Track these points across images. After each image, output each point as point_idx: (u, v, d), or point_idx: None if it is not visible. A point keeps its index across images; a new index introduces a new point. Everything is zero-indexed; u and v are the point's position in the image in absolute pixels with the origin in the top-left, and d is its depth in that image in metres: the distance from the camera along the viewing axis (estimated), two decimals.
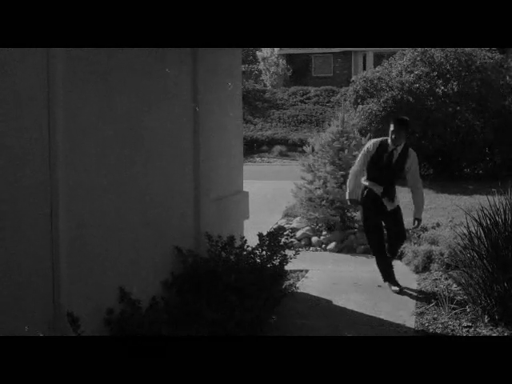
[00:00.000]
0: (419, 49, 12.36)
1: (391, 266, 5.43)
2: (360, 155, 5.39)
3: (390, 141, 5.15)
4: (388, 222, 5.40)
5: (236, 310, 3.78)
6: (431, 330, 4.28)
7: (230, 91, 5.25)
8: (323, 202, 7.41)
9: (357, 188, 5.41)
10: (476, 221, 4.55)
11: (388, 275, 5.35)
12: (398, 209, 5.34)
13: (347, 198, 5.50)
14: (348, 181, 5.51)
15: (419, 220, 5.31)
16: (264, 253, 4.47)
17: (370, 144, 5.30)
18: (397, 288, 5.22)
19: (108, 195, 3.37)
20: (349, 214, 7.56)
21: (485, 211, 4.52)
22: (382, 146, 5.20)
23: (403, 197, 6.20)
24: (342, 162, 7.49)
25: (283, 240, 4.60)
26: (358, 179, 5.38)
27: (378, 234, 5.40)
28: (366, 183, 5.30)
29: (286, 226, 7.30)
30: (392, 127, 5.10)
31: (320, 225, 7.45)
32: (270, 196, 10.49)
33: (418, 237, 6.54)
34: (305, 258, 5.35)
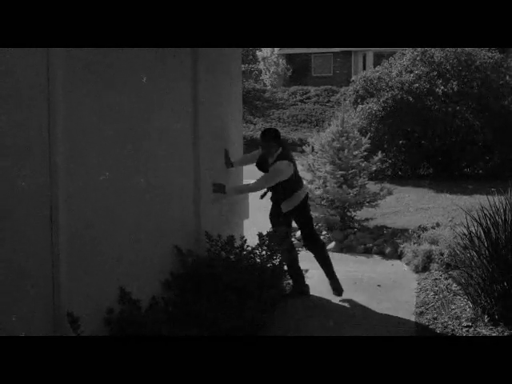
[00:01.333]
0: (419, 49, 12.37)
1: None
2: None
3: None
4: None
5: (236, 309, 3.78)
6: (431, 330, 4.28)
7: (230, 91, 5.25)
8: (323, 202, 7.42)
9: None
10: (476, 221, 4.55)
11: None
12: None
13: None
14: None
15: (222, 187, 4.78)
16: (264, 253, 4.47)
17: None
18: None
19: (108, 195, 3.36)
20: (349, 214, 7.57)
21: (485, 211, 4.52)
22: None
23: (402, 197, 6.16)
24: (342, 161, 7.50)
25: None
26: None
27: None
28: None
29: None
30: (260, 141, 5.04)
31: (320, 224, 7.46)
32: (270, 195, 10.47)
33: (418, 236, 6.55)
34: (305, 257, 5.35)
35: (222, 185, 4.75)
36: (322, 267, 5.16)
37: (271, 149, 4.95)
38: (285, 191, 5.05)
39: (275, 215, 5.16)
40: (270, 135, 4.96)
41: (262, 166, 5.04)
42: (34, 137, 2.81)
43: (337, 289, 5.08)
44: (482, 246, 4.47)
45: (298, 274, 5.10)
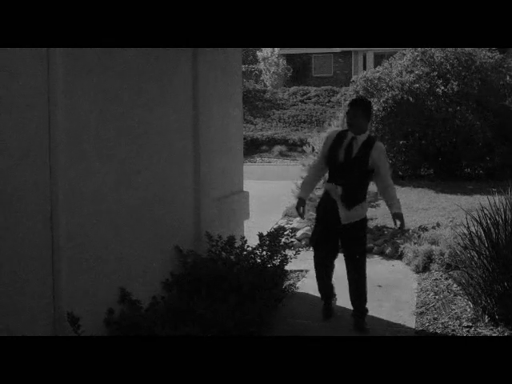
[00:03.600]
0: (419, 49, 12.36)
1: (331, 287, 4.57)
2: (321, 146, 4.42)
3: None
4: (343, 243, 4.30)
5: (236, 310, 3.78)
6: (431, 330, 4.28)
7: (230, 91, 5.25)
8: None
9: (312, 187, 4.51)
10: (476, 221, 4.55)
11: (325, 296, 4.59)
12: (359, 225, 4.22)
13: (297, 195, 4.48)
14: (305, 176, 4.66)
15: (400, 215, 4.12)
16: (264, 253, 4.47)
17: (331, 132, 4.48)
18: (325, 313, 4.54)
19: (108, 195, 3.36)
20: None
21: (485, 211, 4.52)
22: (342, 135, 4.19)
23: (402, 197, 6.13)
24: None
25: (283, 240, 4.59)
26: (316, 176, 4.47)
27: (325, 250, 4.35)
28: (326, 186, 4.34)
29: (286, 225, 7.29)
30: (347, 109, 4.16)
31: None
32: (270, 196, 10.49)
33: (419, 237, 6.54)
34: (305, 257, 5.34)
35: (399, 213, 4.10)
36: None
37: (362, 125, 4.11)
38: (365, 191, 4.28)
39: (363, 228, 4.28)
40: (365, 105, 4.17)
41: (349, 195, 4.12)
42: (34, 137, 2.81)
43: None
44: (483, 246, 4.47)
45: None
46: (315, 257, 4.42)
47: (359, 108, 4.10)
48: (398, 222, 4.11)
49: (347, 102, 4.26)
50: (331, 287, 4.56)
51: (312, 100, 23.62)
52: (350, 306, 4.47)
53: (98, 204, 3.27)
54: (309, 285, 5.30)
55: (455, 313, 4.51)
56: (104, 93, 3.32)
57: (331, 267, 4.45)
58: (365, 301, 4.33)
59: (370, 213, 8.08)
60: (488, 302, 4.34)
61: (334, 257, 4.39)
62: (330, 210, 4.18)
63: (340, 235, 4.26)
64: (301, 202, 4.35)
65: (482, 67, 12.16)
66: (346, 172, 4.08)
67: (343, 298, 4.98)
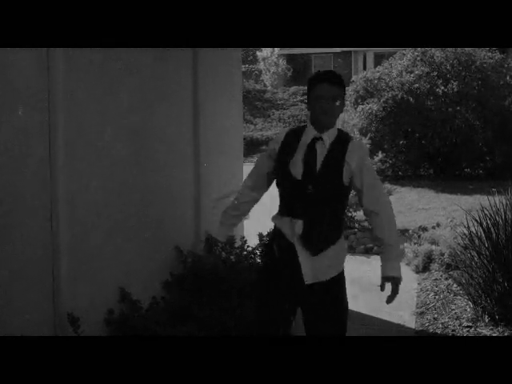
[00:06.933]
0: (419, 49, 12.37)
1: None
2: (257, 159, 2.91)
3: (309, 123, 2.64)
4: (307, 319, 2.69)
5: (236, 309, 3.78)
6: (431, 330, 4.28)
7: (230, 91, 5.25)
8: None
9: (238, 220, 3.01)
10: (476, 221, 4.55)
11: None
12: (334, 286, 2.71)
13: (214, 233, 3.09)
14: (231, 201, 3.01)
15: (397, 279, 2.65)
16: None
17: (277, 134, 2.80)
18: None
19: (108, 195, 3.36)
20: (349, 214, 7.56)
21: (485, 211, 4.52)
22: (294, 135, 2.68)
23: (402, 197, 6.03)
24: None
25: None
26: (247, 202, 2.94)
27: (271, 325, 2.75)
28: (275, 220, 2.75)
29: None
30: (318, 89, 2.58)
31: None
32: (270, 195, 10.49)
33: (418, 237, 6.55)
34: None
35: (397, 277, 2.67)
36: None
37: (338, 115, 2.67)
38: (340, 224, 2.76)
39: (340, 290, 2.77)
40: (343, 82, 2.68)
41: (315, 232, 2.63)
42: (34, 137, 2.81)
43: None
44: (483, 246, 4.47)
45: None
46: (257, 324, 2.85)
47: (337, 86, 2.61)
48: (391, 292, 2.66)
49: (313, 77, 2.64)
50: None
51: None
52: (349, 306, 4.46)
53: (98, 204, 3.27)
54: None
55: (455, 313, 4.51)
56: (104, 93, 3.32)
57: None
58: None
59: None
60: (488, 302, 4.34)
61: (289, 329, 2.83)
62: (285, 262, 2.66)
63: (302, 305, 2.69)
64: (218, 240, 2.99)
65: (482, 67, 12.16)
66: (307, 195, 2.56)
67: None
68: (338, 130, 2.69)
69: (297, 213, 2.61)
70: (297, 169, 2.59)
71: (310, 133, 2.63)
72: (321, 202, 2.58)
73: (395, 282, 2.65)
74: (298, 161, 2.60)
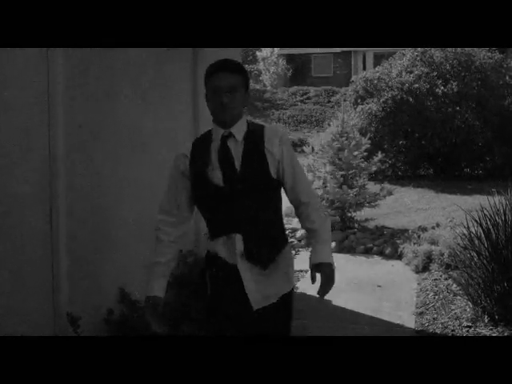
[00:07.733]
0: (419, 49, 12.37)
1: None
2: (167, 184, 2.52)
3: (213, 122, 2.34)
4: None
5: None
6: (431, 330, 4.28)
7: None
8: (323, 202, 7.41)
9: (169, 268, 2.43)
10: (476, 221, 4.55)
11: None
12: (283, 306, 2.48)
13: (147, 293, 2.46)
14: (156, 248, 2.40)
15: (326, 266, 2.43)
16: None
17: (182, 153, 2.39)
18: None
19: (108, 195, 3.36)
20: (349, 214, 7.57)
21: (485, 211, 4.52)
22: (202, 141, 2.37)
23: (402, 197, 6.03)
24: (342, 162, 7.50)
25: None
26: (173, 240, 2.38)
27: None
28: (210, 246, 2.38)
29: (285, 226, 7.29)
30: (214, 81, 2.27)
31: None
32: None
33: (418, 237, 6.55)
34: (305, 258, 5.34)
35: (329, 263, 2.46)
36: None
37: (243, 106, 2.34)
38: (281, 223, 2.55)
39: (286, 310, 2.53)
40: (244, 69, 2.41)
41: (257, 245, 2.31)
42: (34, 137, 2.81)
43: None
44: (482, 247, 4.47)
45: None
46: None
47: (236, 74, 2.31)
48: (323, 287, 2.47)
49: (208, 68, 2.36)
50: None
51: (312, 100, 23.62)
52: (349, 306, 4.47)
53: (98, 204, 3.27)
54: (308, 285, 5.31)
55: (455, 313, 4.51)
56: (104, 93, 3.32)
57: None
58: None
59: (370, 213, 8.08)
60: (488, 303, 4.34)
61: None
62: (225, 292, 2.34)
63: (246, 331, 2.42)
64: (154, 304, 2.47)
65: (482, 67, 12.16)
66: (236, 202, 2.24)
67: (343, 299, 4.99)
68: (247, 120, 2.36)
69: (230, 227, 2.26)
70: (216, 174, 2.25)
71: (217, 132, 2.31)
72: (253, 205, 2.26)
73: (325, 269, 2.37)
74: (215, 167, 2.27)
